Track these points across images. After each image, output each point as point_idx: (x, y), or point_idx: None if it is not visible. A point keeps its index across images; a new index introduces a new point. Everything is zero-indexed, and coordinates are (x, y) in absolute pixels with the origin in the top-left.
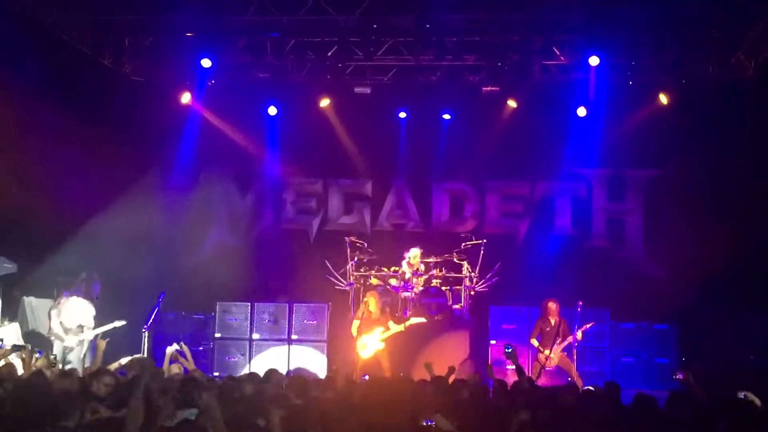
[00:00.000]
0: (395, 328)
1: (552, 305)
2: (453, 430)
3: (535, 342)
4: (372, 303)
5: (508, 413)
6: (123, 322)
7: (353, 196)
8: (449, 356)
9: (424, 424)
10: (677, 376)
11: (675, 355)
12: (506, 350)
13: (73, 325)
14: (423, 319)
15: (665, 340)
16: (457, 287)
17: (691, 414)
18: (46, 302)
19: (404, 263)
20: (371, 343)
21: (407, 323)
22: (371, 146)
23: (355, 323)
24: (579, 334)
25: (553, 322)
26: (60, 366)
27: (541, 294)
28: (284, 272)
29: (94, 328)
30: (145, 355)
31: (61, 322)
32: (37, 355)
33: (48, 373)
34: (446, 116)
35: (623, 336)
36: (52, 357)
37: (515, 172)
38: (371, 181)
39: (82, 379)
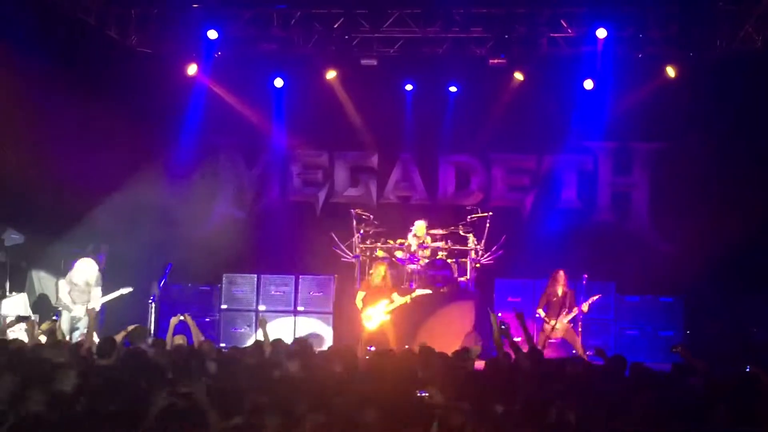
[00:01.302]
0: (400, 300)
1: (561, 274)
2: (446, 402)
3: (541, 312)
4: (378, 275)
5: (512, 387)
6: (129, 289)
7: (359, 168)
8: (454, 328)
9: (418, 394)
10: (675, 349)
11: (680, 329)
12: (501, 326)
13: (80, 281)
14: (428, 291)
15: (670, 314)
16: (463, 260)
17: (690, 387)
18: (54, 274)
19: (410, 236)
20: (376, 315)
21: (412, 295)
22: (377, 119)
23: (360, 295)
24: (585, 307)
25: (560, 292)
26: (68, 336)
27: (546, 267)
28: (290, 244)
29: (102, 296)
30: (151, 326)
31: (69, 290)
32: (54, 317)
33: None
34: (453, 89)
35: (628, 309)
36: (54, 319)
37: (521, 145)
38: (377, 153)
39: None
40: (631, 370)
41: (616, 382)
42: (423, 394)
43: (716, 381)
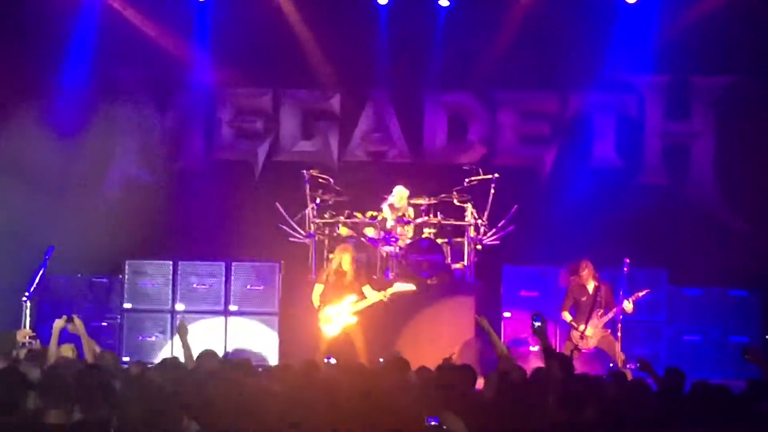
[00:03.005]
0: (372, 296)
1: (585, 267)
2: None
3: (567, 316)
4: (341, 262)
5: (532, 411)
6: None
7: (315, 113)
8: (447, 334)
9: (428, 425)
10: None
11: (757, 332)
12: (534, 323)
13: None
14: (411, 285)
15: (744, 312)
16: (459, 240)
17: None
18: None
19: (385, 206)
20: (339, 316)
21: (390, 291)
22: (340, 44)
23: (318, 289)
24: (628, 305)
25: (590, 288)
26: None
27: (573, 249)
28: (219, 219)
29: None
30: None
31: None
32: None
33: None
34: (444, 2)
35: (686, 306)
36: None
37: (539, 79)
38: (340, 92)
39: None
40: (691, 389)
41: (671, 407)
42: (434, 422)
43: None
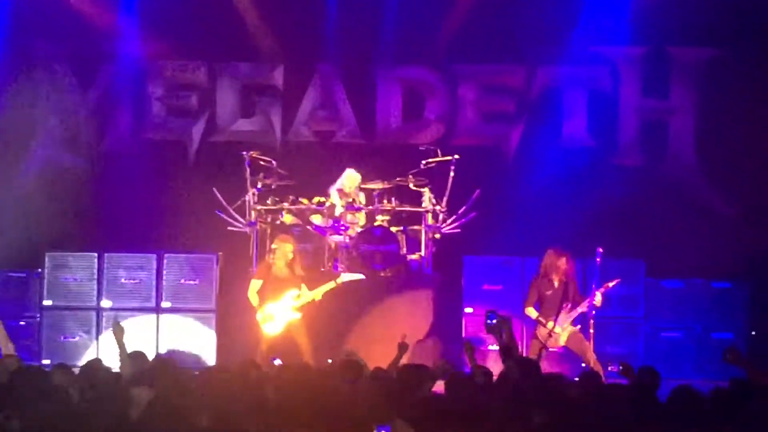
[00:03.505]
0: (319, 289)
1: (558, 259)
2: None
3: (532, 312)
4: (284, 253)
5: (496, 416)
6: None
7: (255, 88)
8: (403, 332)
9: None
10: (729, 357)
11: (742, 328)
12: (488, 321)
13: None
14: (362, 276)
15: (728, 306)
16: (415, 228)
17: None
18: None
19: (333, 191)
20: (281, 313)
21: (338, 281)
22: (283, 11)
23: (255, 285)
24: (598, 298)
25: (557, 282)
26: None
27: (541, 237)
28: (150, 206)
29: None
30: None
31: None
32: None
33: None
34: None
35: (665, 300)
36: None
37: (503, 51)
38: (283, 65)
39: None
40: (670, 393)
41: (646, 412)
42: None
43: None
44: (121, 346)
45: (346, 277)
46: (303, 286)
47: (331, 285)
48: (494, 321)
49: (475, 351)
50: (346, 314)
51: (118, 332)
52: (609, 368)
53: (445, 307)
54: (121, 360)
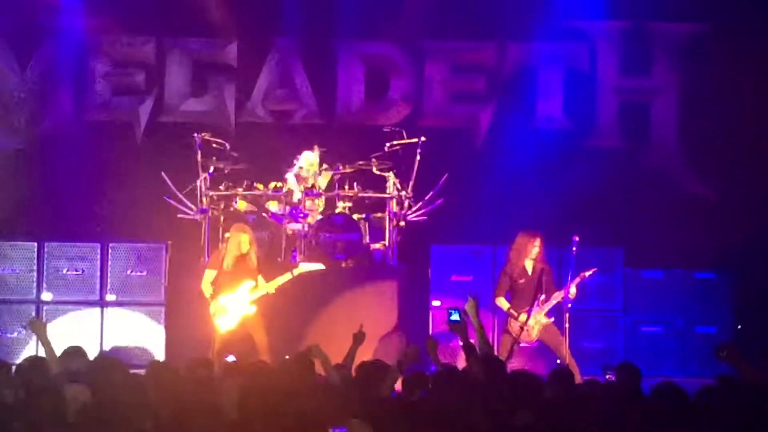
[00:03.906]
0: (275, 280)
1: (530, 242)
2: None
3: (503, 303)
4: (238, 242)
5: (460, 416)
6: None
7: (207, 65)
8: (365, 326)
9: None
10: (722, 354)
11: (728, 321)
12: (450, 318)
13: None
14: (321, 266)
15: (712, 297)
16: (379, 215)
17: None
18: None
19: (291, 176)
20: (235, 305)
21: (294, 272)
22: None
23: (208, 275)
24: (573, 289)
25: (530, 269)
26: None
27: (513, 225)
28: (93, 192)
29: None
30: None
31: None
32: None
33: None
34: None
35: (645, 291)
36: None
37: (473, 26)
38: (237, 40)
39: None
40: (653, 391)
41: (627, 410)
42: None
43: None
44: (46, 343)
45: (304, 267)
46: (259, 277)
47: (287, 276)
48: (457, 317)
49: (438, 347)
50: (306, 308)
51: (38, 329)
52: (607, 377)
53: (410, 300)
54: (48, 357)
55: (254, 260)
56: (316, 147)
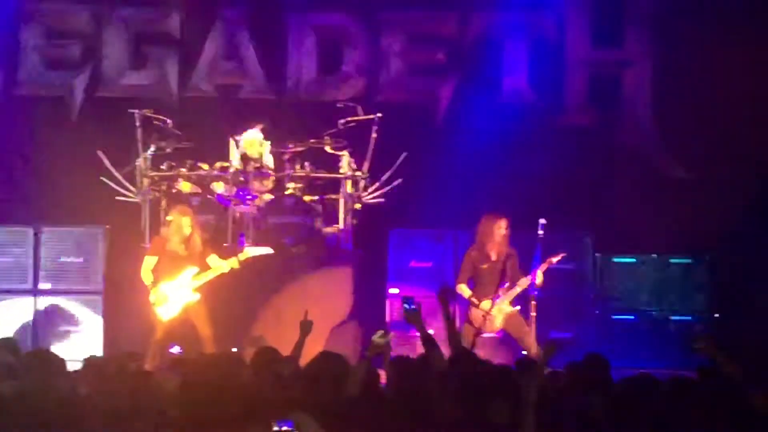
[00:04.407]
0: (219, 266)
1: (495, 225)
2: None
3: (465, 290)
4: (180, 226)
5: (417, 411)
6: None
7: (147, 36)
8: (318, 315)
9: (277, 429)
10: (699, 346)
11: (704, 310)
12: (405, 308)
13: None
14: (270, 251)
15: (688, 284)
16: (333, 197)
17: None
18: None
19: (236, 155)
20: (177, 293)
21: (241, 257)
22: None
23: (149, 262)
24: (539, 277)
25: (495, 254)
26: None
27: (476, 208)
28: (25, 172)
29: None
30: None
31: None
32: None
33: None
34: None
35: (618, 278)
36: None
37: None
38: (180, 10)
39: None
40: (623, 383)
41: (596, 404)
42: (286, 427)
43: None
44: None
45: (251, 251)
46: (211, 260)
47: (233, 262)
48: (412, 308)
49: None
50: (254, 296)
51: None
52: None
53: (366, 288)
54: None
55: (198, 244)
56: (257, 126)
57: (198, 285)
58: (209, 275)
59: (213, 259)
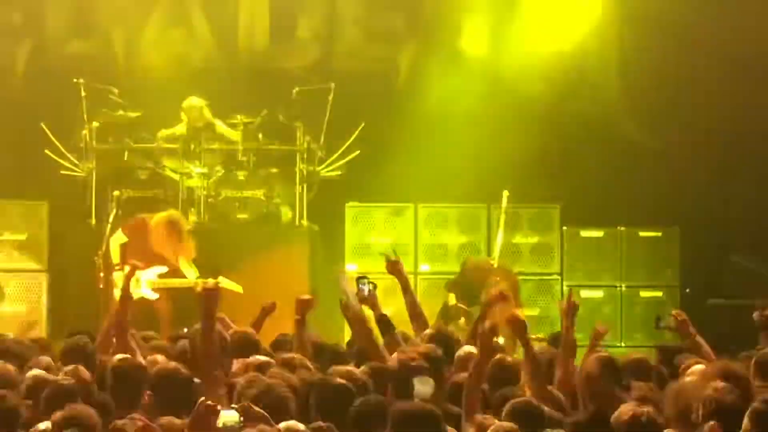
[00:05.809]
0: (186, 279)
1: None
2: None
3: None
4: (182, 230)
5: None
6: None
7: (93, 3)
8: (273, 294)
9: None
10: (664, 325)
11: (674, 284)
12: (360, 288)
13: None
14: (238, 286)
15: (658, 258)
16: (287, 170)
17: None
18: None
19: (181, 127)
20: (136, 286)
21: (211, 282)
22: None
23: (119, 238)
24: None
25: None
26: None
27: (438, 181)
28: None
29: None
30: None
31: None
32: None
33: None
34: None
35: (585, 252)
36: None
37: None
38: None
39: None
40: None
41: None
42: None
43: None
44: None
45: (223, 282)
46: (183, 262)
47: (189, 282)
48: (368, 288)
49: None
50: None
51: None
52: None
53: (323, 265)
54: None
55: (182, 255)
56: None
57: (159, 286)
58: (174, 283)
59: (184, 265)
